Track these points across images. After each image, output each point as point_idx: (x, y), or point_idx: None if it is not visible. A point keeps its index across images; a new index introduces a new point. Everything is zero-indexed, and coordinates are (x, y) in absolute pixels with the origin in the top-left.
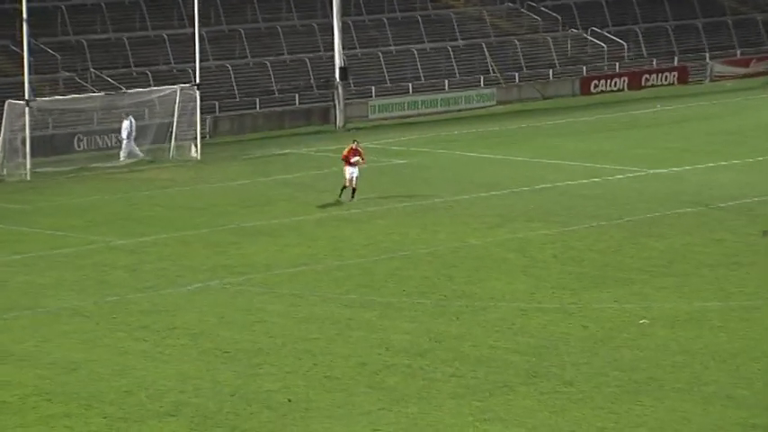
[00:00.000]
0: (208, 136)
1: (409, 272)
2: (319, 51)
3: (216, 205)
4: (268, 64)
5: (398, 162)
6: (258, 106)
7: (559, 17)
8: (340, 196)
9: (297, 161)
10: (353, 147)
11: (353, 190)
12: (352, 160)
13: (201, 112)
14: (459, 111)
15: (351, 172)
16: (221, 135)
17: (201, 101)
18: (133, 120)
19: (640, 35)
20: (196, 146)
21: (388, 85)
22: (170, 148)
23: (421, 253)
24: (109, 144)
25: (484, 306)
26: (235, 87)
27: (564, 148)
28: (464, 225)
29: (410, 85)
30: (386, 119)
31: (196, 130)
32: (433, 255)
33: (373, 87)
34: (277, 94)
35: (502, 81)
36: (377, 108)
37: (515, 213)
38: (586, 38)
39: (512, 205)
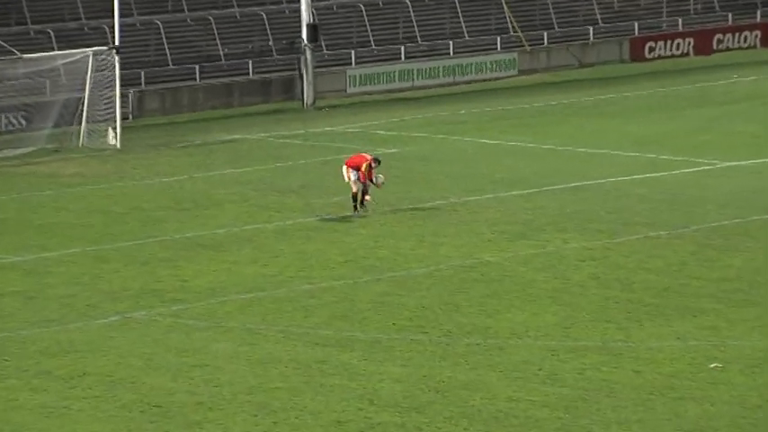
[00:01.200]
0: (131, 116)
1: (401, 299)
2: (281, 3)
3: (142, 209)
4: (211, 20)
5: (386, 152)
6: (198, 77)
7: None
8: (356, 209)
9: (251, 151)
10: (371, 161)
11: (362, 199)
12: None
13: (122, 85)
14: (469, 83)
15: (352, 177)
16: (149, 115)
17: (122, 69)
18: None
19: None
20: (115, 130)
21: (373, 47)
22: (80, 132)
23: (417, 273)
24: None
25: (501, 345)
26: (167, 51)
27: (609, 132)
28: (475, 236)
29: (402, 48)
30: (369, 93)
31: (115, 108)
32: (434, 276)
33: (353, 52)
34: (224, 61)
35: (525, 43)
36: (357, 79)
37: (544, 220)
38: None
39: (539, 209)
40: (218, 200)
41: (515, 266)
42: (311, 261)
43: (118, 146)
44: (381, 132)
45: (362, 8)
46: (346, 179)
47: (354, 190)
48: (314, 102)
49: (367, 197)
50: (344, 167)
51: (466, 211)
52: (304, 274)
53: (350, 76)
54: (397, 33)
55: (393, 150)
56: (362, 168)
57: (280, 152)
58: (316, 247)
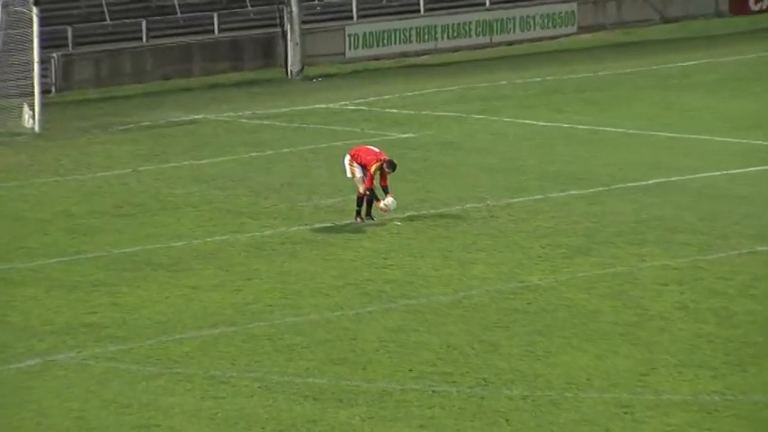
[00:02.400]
0: (54, 89)
1: (420, 336)
2: None
3: (69, 215)
4: None
5: (399, 137)
6: (144, 35)
7: None
8: (361, 216)
9: (216, 136)
10: (383, 163)
11: (368, 201)
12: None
13: (43, 47)
14: (511, 44)
15: (357, 173)
16: (79, 88)
17: (43, 26)
18: None
19: None
20: (32, 108)
21: None
22: None
23: (442, 302)
24: None
25: (555, 398)
26: (102, 1)
27: (700, 110)
28: (520, 251)
29: None
30: (377, 58)
31: (32, 78)
32: (464, 305)
33: (354, 2)
34: (179, 14)
35: None
36: (360, 39)
37: (613, 230)
38: None
39: (606, 215)
40: (172, 202)
41: (574, 293)
42: (298, 285)
43: (36, 129)
44: (393, 111)
45: None
46: (349, 174)
47: (361, 191)
48: (301, 70)
49: (382, 204)
50: (347, 158)
51: (507, 218)
52: (288, 302)
53: (350, 36)
54: None
55: (408, 135)
56: (371, 170)
57: (256, 138)
58: (304, 267)
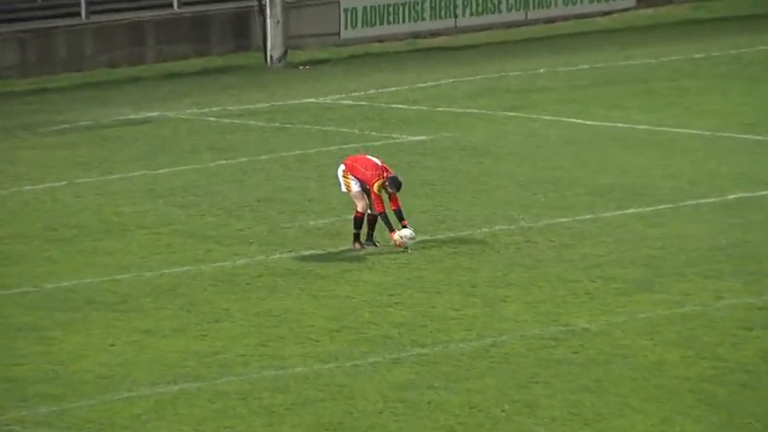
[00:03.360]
0: None
1: (434, 394)
2: None
3: None
4: None
5: (408, 140)
6: (84, 12)
7: None
8: (366, 239)
9: (176, 138)
10: (385, 181)
11: (370, 222)
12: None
13: None
14: (551, 22)
15: (354, 187)
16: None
17: None
18: None
19: None
20: None
21: None
22: None
23: (464, 351)
24: None
25: None
26: None
27: None
28: (562, 285)
29: None
30: (380, 40)
31: None
32: (492, 355)
33: None
34: None
35: None
36: (359, 16)
37: (681, 258)
38: None
39: (673, 239)
40: (119, 223)
41: (632, 339)
42: (280, 329)
43: None
44: (401, 107)
45: None
46: (344, 189)
47: (360, 209)
48: (284, 54)
49: (397, 236)
50: (341, 169)
51: (546, 244)
52: (268, 351)
53: (346, 11)
54: None
55: (421, 138)
56: (374, 190)
57: (226, 141)
58: (288, 306)
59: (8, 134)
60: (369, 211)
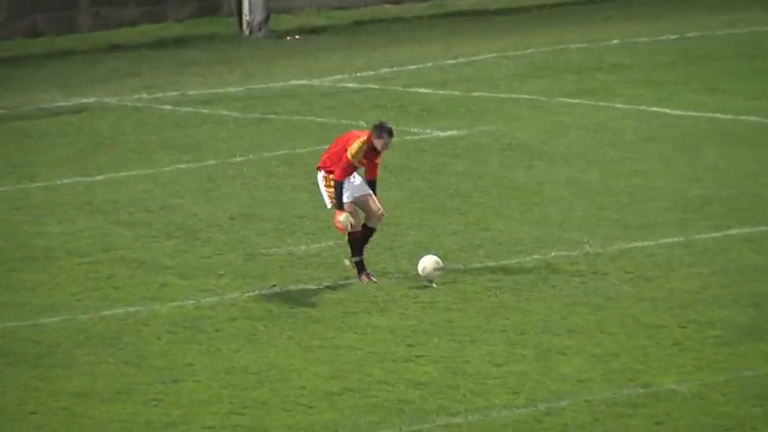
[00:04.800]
0: None
1: None
2: None
3: None
4: None
5: (434, 135)
6: None
7: None
8: (362, 272)
9: (118, 133)
10: (368, 139)
11: (359, 236)
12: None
13: None
14: None
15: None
16: None
17: None
18: None
19: None
20: None
21: None
22: None
23: (506, 420)
24: None
25: None
26: None
27: None
28: (640, 331)
29: None
30: (393, 1)
31: None
32: (544, 426)
33: None
34: None
35: None
36: None
37: None
38: None
39: None
40: (44, 248)
41: (736, 404)
42: (260, 392)
43: None
44: (423, 91)
45: None
46: (329, 204)
47: (350, 227)
48: (266, 20)
49: (344, 218)
50: (320, 176)
51: (620, 276)
52: (244, 421)
53: None
54: None
55: (451, 133)
56: (348, 151)
57: (187, 136)
58: (272, 359)
59: None
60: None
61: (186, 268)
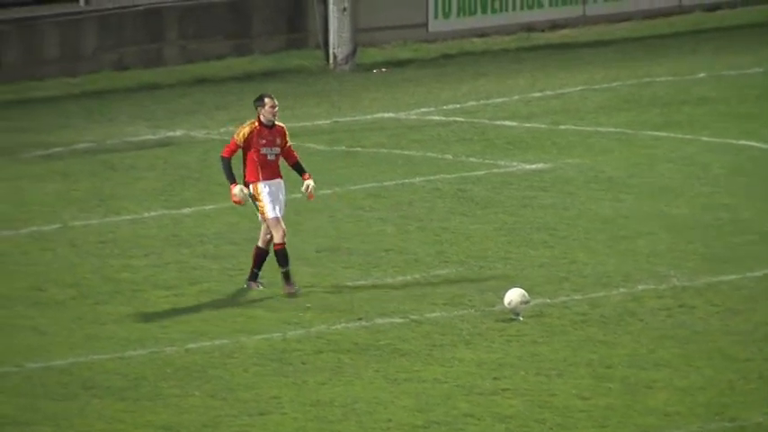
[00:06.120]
0: None
1: None
2: None
3: None
4: None
5: (521, 168)
6: None
7: None
8: (251, 281)
9: (203, 167)
10: (257, 119)
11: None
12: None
13: None
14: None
15: (270, 204)
16: None
17: None
18: None
19: None
20: None
21: None
22: None
23: None
24: None
25: None
26: None
27: None
28: (728, 364)
29: None
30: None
31: None
32: None
33: None
34: None
35: None
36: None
37: None
38: None
39: None
40: (130, 281)
41: None
42: (346, 424)
43: None
44: (510, 124)
45: None
46: (259, 216)
47: (276, 239)
48: (353, 53)
49: (239, 191)
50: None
51: (707, 309)
52: None
53: None
54: None
55: (537, 166)
56: (236, 133)
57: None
58: (357, 393)
59: None
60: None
61: (273, 301)
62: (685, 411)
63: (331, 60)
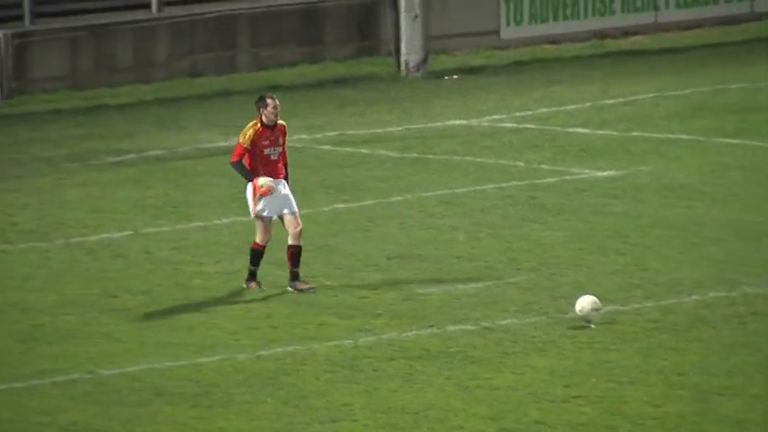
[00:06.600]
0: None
1: None
2: None
3: (25, 308)
4: None
5: (592, 175)
6: (155, 4)
7: None
8: (250, 282)
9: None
10: (263, 122)
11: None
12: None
13: None
14: None
15: (272, 206)
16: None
17: None
18: None
19: None
20: None
21: None
22: None
23: None
24: None
25: None
26: None
27: None
28: None
29: None
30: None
31: None
32: None
33: None
34: None
35: None
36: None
37: None
38: None
39: None
40: (202, 288)
41: None
42: (419, 431)
43: None
44: (582, 131)
45: None
46: (251, 213)
47: (260, 240)
48: (424, 60)
49: (265, 181)
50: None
51: None
52: None
53: (507, 2)
54: None
55: (609, 173)
56: (241, 136)
57: (345, 176)
58: (429, 400)
59: (53, 167)
60: (290, 242)
61: (344, 308)
62: (758, 419)
63: (402, 67)
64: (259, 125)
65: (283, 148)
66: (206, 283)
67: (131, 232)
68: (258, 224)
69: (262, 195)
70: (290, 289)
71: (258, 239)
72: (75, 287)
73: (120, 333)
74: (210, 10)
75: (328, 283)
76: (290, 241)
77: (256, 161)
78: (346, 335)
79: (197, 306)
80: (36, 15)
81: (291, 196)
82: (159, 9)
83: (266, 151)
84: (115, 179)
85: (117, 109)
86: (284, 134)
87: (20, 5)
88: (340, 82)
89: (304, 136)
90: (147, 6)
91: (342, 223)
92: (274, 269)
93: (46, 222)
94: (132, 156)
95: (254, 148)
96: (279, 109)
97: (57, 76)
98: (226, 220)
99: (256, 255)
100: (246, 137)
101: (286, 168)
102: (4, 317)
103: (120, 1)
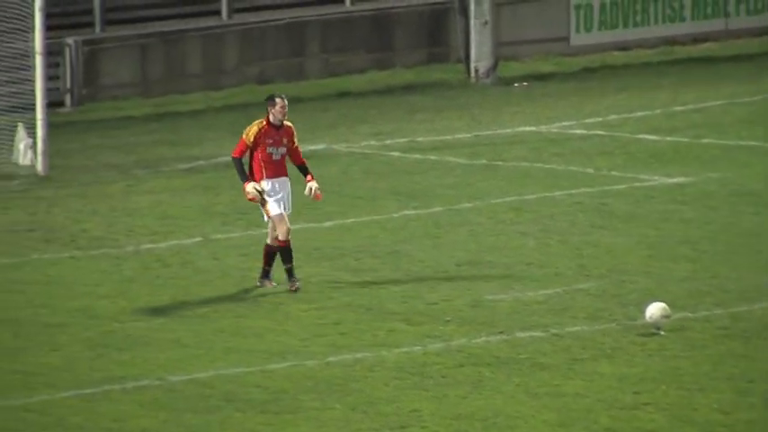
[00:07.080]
0: (69, 100)
1: None
2: None
3: (94, 315)
4: None
5: (662, 182)
6: (225, 11)
7: None
8: (263, 279)
9: (348, 178)
10: (266, 118)
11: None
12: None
13: (50, 29)
14: None
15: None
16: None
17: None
18: None
19: None
20: (32, 133)
21: None
22: None
23: None
24: None
25: None
26: None
27: None
28: None
29: None
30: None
31: (34, 84)
32: None
33: None
34: None
35: None
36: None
37: None
38: None
39: None
40: (271, 294)
41: None
42: None
43: (39, 167)
44: (651, 138)
45: None
46: (266, 217)
47: (282, 238)
48: (494, 67)
49: (251, 188)
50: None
51: None
52: None
53: (577, 9)
54: None
55: (678, 180)
56: (245, 132)
57: (414, 182)
58: (498, 406)
59: (123, 173)
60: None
61: (413, 314)
62: None
63: (472, 74)
64: (265, 123)
65: (295, 148)
66: (275, 290)
67: (200, 239)
68: (277, 221)
69: (249, 200)
70: (258, 284)
71: (281, 236)
72: (145, 294)
73: (189, 339)
74: (280, 17)
75: (397, 289)
76: (270, 241)
77: (258, 159)
78: (415, 341)
79: (266, 312)
80: (107, 23)
81: (289, 197)
82: (229, 16)
83: (268, 150)
84: (185, 186)
85: (187, 116)
86: (291, 135)
87: (90, 13)
88: (409, 88)
89: (373, 142)
90: (218, 13)
91: (411, 230)
92: (344, 275)
93: (116, 229)
94: (202, 162)
95: (257, 145)
96: (286, 110)
97: (127, 83)
98: (295, 227)
99: (287, 252)
100: (250, 134)
101: (303, 167)
102: (75, 323)
103: (191, 8)
